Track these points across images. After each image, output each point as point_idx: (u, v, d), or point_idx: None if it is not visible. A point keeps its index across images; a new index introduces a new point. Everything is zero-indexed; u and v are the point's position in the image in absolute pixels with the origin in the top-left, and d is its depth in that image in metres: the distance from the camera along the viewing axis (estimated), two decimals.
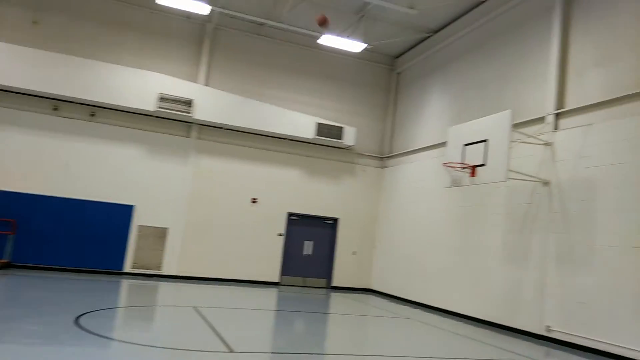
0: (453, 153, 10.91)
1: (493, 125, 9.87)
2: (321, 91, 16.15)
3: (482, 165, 10.05)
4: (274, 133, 15.12)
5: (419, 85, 15.45)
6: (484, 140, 10.13)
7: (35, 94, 13.07)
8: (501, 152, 9.44)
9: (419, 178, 14.50)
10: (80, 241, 13.32)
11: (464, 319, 11.41)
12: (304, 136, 15.21)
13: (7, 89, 12.90)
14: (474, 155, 10.33)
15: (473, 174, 10.33)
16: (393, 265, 15.07)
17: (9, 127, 13.05)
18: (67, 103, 13.55)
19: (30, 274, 11.91)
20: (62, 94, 13.02)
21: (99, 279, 12.33)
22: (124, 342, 6.40)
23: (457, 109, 13.36)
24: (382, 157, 16.71)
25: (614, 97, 8.84)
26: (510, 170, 9.41)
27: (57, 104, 13.48)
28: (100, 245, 13.47)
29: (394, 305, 13.11)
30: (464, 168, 10.47)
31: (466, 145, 10.61)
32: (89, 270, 13.32)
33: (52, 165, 13.31)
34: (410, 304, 13.52)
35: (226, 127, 14.91)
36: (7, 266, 12.52)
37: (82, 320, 7.24)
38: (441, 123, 13.92)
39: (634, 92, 8.50)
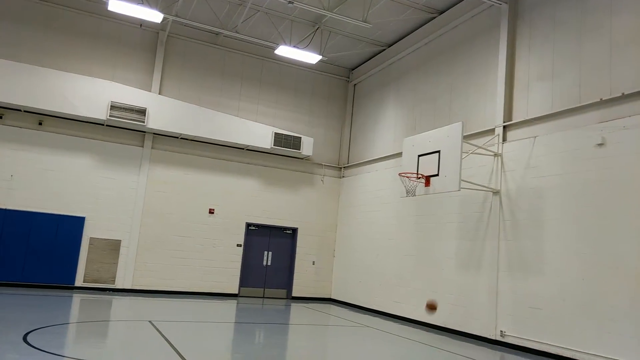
0: (408, 163, 11.19)
1: (445, 136, 10.20)
2: (278, 101, 16.21)
3: (436, 175, 10.35)
4: (231, 143, 15.03)
5: (375, 97, 15.78)
6: (437, 151, 10.45)
7: None
8: (453, 162, 9.76)
9: (375, 187, 14.76)
10: (28, 255, 12.73)
11: (421, 326, 11.66)
12: (262, 146, 15.20)
13: None
14: (428, 166, 10.63)
15: (427, 183, 10.63)
16: (352, 274, 15.22)
17: None
18: (13, 111, 13.00)
19: None
20: (6, 101, 12.48)
21: (49, 294, 11.81)
22: (75, 359, 6.17)
23: (412, 120, 13.73)
24: (339, 167, 16.90)
25: (557, 110, 9.35)
26: (463, 180, 9.75)
27: (1, 111, 12.90)
28: (50, 258, 12.92)
29: (353, 314, 13.22)
30: (418, 178, 10.75)
31: (420, 155, 10.91)
32: (38, 285, 12.74)
33: None
34: (369, 312, 13.68)
35: (181, 137, 14.69)
36: None
37: (30, 337, 6.93)
38: (396, 134, 14.26)
39: (576, 105, 9.02)
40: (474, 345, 9.54)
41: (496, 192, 10.34)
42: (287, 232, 16.06)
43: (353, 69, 17.14)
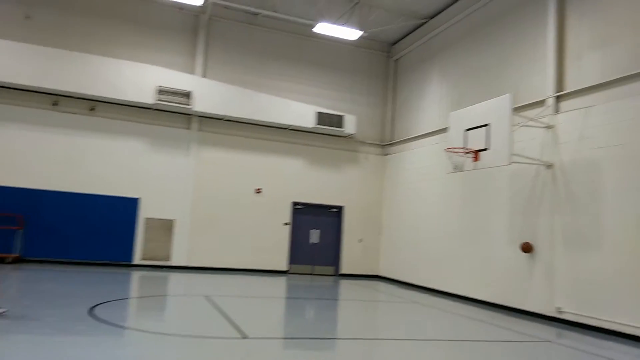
0: (455, 138, 10.98)
1: (494, 109, 9.93)
2: (319, 80, 16.17)
3: (485, 149, 10.12)
4: (274, 123, 15.17)
5: (418, 72, 15.49)
6: (486, 125, 10.20)
7: (33, 89, 13.06)
8: (503, 135, 9.51)
9: (421, 164, 14.59)
10: (88, 234, 13.40)
11: (473, 303, 11.57)
12: (304, 125, 15.26)
13: (6, 86, 12.89)
14: (476, 140, 10.40)
15: (476, 158, 10.41)
16: (399, 251, 15.22)
17: (11, 123, 13.06)
18: (66, 98, 13.55)
19: (41, 268, 12.01)
20: (60, 88, 13.02)
21: (110, 271, 12.43)
22: (138, 330, 6.51)
23: (457, 94, 13.42)
24: (383, 145, 16.78)
25: (613, 78, 8.91)
26: (513, 154, 9.50)
27: (56, 99, 13.48)
28: (109, 237, 13.57)
29: (402, 291, 13.27)
30: (466, 153, 10.55)
31: (468, 130, 10.67)
32: (99, 262, 13.43)
33: (55, 160, 13.35)
34: (418, 289, 13.69)
35: (226, 119, 14.94)
36: (18, 260, 12.61)
37: (96, 311, 7.35)
38: (442, 109, 13.99)
39: (632, 73, 8.57)
40: (529, 322, 9.39)
41: (549, 166, 10.02)
42: (333, 210, 16.17)
43: (394, 44, 16.85)
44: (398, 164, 15.89)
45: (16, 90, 13.08)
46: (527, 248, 10.31)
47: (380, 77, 16.96)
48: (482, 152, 10.12)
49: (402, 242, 15.08)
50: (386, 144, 16.70)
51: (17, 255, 12.63)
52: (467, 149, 10.46)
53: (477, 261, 11.77)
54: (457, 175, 12.33)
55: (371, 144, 16.66)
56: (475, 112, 10.45)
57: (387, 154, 16.68)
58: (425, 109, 14.90)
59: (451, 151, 10.74)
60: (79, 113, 13.71)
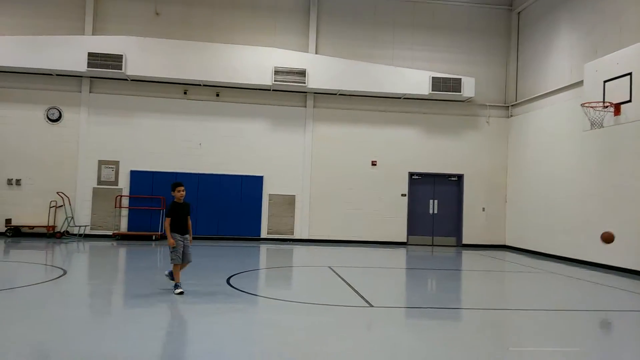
0: (591, 92, 9.91)
1: (638, 55, 8.73)
2: (434, 44, 15.48)
3: (628, 101, 9.01)
4: (388, 93, 14.91)
5: (544, 22, 14.10)
6: (628, 74, 9.05)
7: (166, 80, 14.27)
8: None
9: (551, 124, 13.40)
10: (220, 211, 14.49)
11: (614, 271, 10.50)
12: (419, 93, 14.79)
13: (143, 79, 14.24)
14: (616, 92, 9.30)
15: (617, 112, 9.33)
16: (528, 218, 14.26)
17: (147, 113, 14.44)
18: (194, 86, 14.60)
19: None
20: (190, 78, 14.05)
21: (240, 245, 13.37)
22: (271, 298, 6.91)
23: (591, 43, 12.00)
24: (506, 106, 15.68)
25: None
26: None
27: (186, 87, 14.60)
28: (238, 214, 14.55)
29: (531, 260, 12.47)
30: (605, 107, 9.47)
31: (606, 81, 9.58)
32: (230, 237, 14.48)
33: (187, 145, 14.54)
34: (550, 258, 12.77)
35: (340, 93, 15.01)
36: (162, 238, 14.09)
37: (232, 281, 7.94)
38: (573, 61, 12.64)
39: None
40: None
41: None
42: (452, 179, 15.60)
43: None
44: (524, 126, 14.76)
45: (151, 83, 14.40)
46: (608, 238, 9.00)
47: (501, 33, 15.77)
48: (624, 105, 9.03)
49: (531, 209, 14.09)
50: (510, 105, 15.58)
51: (161, 233, 14.09)
52: (606, 102, 9.39)
53: (618, 225, 10.58)
54: (594, 133, 11.12)
55: (493, 107, 15.66)
56: (615, 61, 9.31)
57: (511, 116, 15.57)
58: (553, 64, 13.58)
59: (587, 106, 9.71)
60: (206, 99, 14.72)
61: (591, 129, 9.98)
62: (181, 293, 6.65)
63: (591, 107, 9.64)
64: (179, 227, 6.88)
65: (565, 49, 13.04)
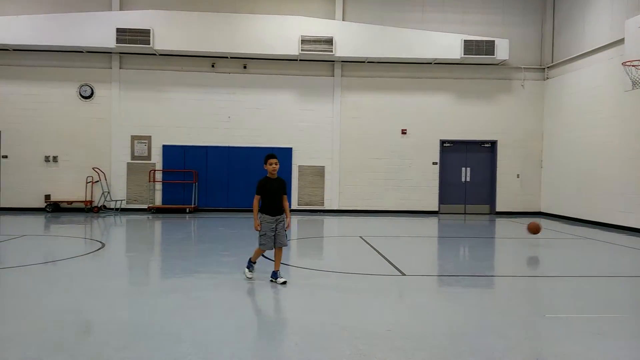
0: (634, 49, 9.39)
1: None
2: (465, 4, 14.90)
3: None
4: (418, 59, 14.52)
5: None
6: None
7: (193, 54, 14.25)
8: None
9: (590, 85, 12.83)
10: (249, 184, 14.57)
11: None
12: (451, 57, 14.33)
13: (171, 53, 14.26)
14: None
15: None
16: (565, 184, 13.86)
17: (176, 87, 14.52)
18: (221, 59, 14.55)
19: (213, 216, 13.52)
20: (217, 50, 13.98)
21: None
22: (306, 268, 6.96)
23: None
24: (542, 68, 15.08)
25: None
26: None
27: (213, 60, 14.56)
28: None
29: (568, 227, 12.17)
30: None
31: None
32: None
33: (216, 118, 14.60)
34: (587, 224, 12.43)
35: (368, 60, 14.71)
36: (195, 210, 14.36)
37: (265, 252, 8.00)
38: (614, 17, 11.97)
39: None
40: None
41: None
42: (486, 145, 15.23)
43: None
44: (561, 88, 14.19)
45: (179, 57, 14.42)
46: (534, 229, 8.90)
47: None
48: None
49: (567, 175, 13.67)
50: (546, 67, 14.97)
51: (194, 206, 14.34)
52: None
53: None
54: (636, 93, 10.60)
55: (528, 69, 15.09)
56: None
57: (547, 78, 14.98)
58: (592, 21, 12.91)
59: (629, 65, 9.23)
60: (233, 72, 14.67)
61: (633, 88, 9.51)
62: (250, 278, 5.97)
63: (633, 65, 9.17)
64: (270, 207, 5.83)
65: (605, 4, 12.35)
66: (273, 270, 5.92)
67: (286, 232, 5.95)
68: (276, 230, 5.80)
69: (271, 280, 5.86)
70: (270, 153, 6.02)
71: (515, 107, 15.10)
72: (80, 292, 5.44)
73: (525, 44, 15.07)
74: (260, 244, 5.87)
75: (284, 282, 5.78)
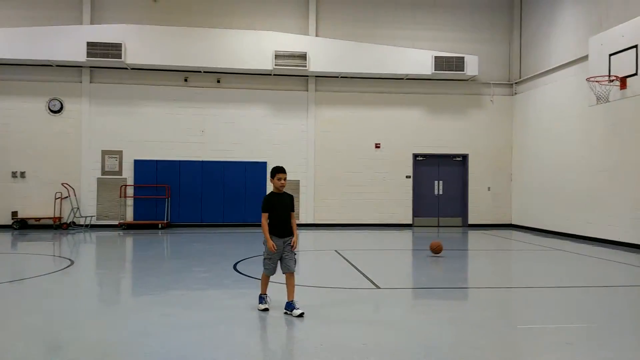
0: (597, 66, 9.75)
1: None
2: (435, 22, 15.25)
3: (634, 74, 8.87)
4: (390, 74, 14.75)
5: None
6: (634, 46, 8.90)
7: (166, 68, 14.14)
8: None
9: (556, 100, 13.24)
10: (223, 199, 14.49)
11: (623, 247, 10.45)
12: (422, 72, 14.60)
13: (143, 68, 14.11)
14: (622, 65, 9.15)
15: (623, 85, 9.20)
16: (534, 196, 14.19)
17: (148, 102, 14.36)
18: (195, 73, 14.48)
19: (186, 232, 13.32)
20: (190, 64, 13.91)
21: (245, 232, 13.38)
22: (279, 283, 6.91)
23: (597, 16, 11.79)
24: (510, 84, 15.50)
25: None
26: None
27: (186, 75, 14.48)
28: (242, 201, 14.53)
29: (539, 238, 12.44)
30: (611, 81, 9.33)
31: (612, 54, 9.42)
32: (235, 224, 14.48)
33: (189, 132, 14.47)
34: (557, 236, 12.72)
35: (342, 76, 14.86)
36: (167, 226, 14.13)
37: (239, 267, 7.95)
38: (579, 35, 12.43)
39: None
40: None
41: None
42: (457, 159, 15.50)
43: None
44: (529, 103, 14.61)
45: (152, 71, 14.29)
46: (436, 248, 8.95)
47: (503, 9, 15.51)
48: (630, 78, 8.90)
49: (536, 187, 14.01)
50: (514, 83, 15.40)
51: (167, 221, 14.12)
52: (612, 76, 9.24)
53: (627, 200, 10.51)
54: (599, 108, 10.99)
55: (497, 84, 15.49)
56: (621, 33, 9.15)
57: (515, 94, 15.40)
58: (558, 38, 13.37)
59: (593, 81, 9.57)
60: (207, 86, 14.61)
61: (597, 103, 9.85)
62: (265, 310, 5.25)
63: (597, 81, 9.51)
64: (278, 227, 5.18)
65: (570, 23, 12.83)
66: (287, 300, 5.23)
67: (295, 254, 5.34)
68: (283, 253, 5.23)
69: (285, 313, 5.14)
70: (278, 166, 5.31)
71: (485, 121, 15.45)
72: (48, 311, 5.27)
73: (494, 60, 15.49)
74: (265, 268, 5.34)
75: (301, 314, 5.04)
